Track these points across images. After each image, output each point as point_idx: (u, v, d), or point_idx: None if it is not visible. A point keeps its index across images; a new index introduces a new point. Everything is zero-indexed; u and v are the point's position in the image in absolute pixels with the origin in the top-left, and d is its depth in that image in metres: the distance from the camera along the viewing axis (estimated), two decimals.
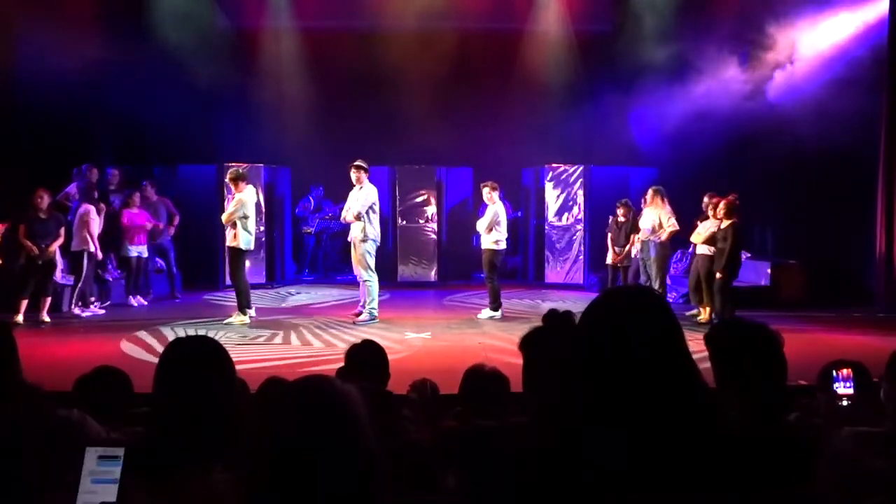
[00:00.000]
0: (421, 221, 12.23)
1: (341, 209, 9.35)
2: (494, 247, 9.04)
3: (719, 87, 10.85)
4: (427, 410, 3.39)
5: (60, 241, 8.76)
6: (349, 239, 8.66)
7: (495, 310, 8.98)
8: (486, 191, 9.13)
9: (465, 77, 11.90)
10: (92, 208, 9.05)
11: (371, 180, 8.70)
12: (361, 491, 1.26)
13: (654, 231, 9.14)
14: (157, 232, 10.29)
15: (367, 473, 1.27)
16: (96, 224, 9.09)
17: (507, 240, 9.25)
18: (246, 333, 7.86)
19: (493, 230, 9.01)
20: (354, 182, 8.56)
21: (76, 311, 9.02)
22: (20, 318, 8.36)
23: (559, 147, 11.95)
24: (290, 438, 1.25)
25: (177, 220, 10.64)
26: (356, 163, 8.56)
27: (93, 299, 9.34)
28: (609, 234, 10.16)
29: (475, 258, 10.63)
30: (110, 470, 1.71)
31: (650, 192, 9.35)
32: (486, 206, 9.23)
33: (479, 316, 9.02)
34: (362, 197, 8.45)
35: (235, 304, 8.58)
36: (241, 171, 8.91)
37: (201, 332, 7.19)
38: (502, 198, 9.38)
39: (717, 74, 10.94)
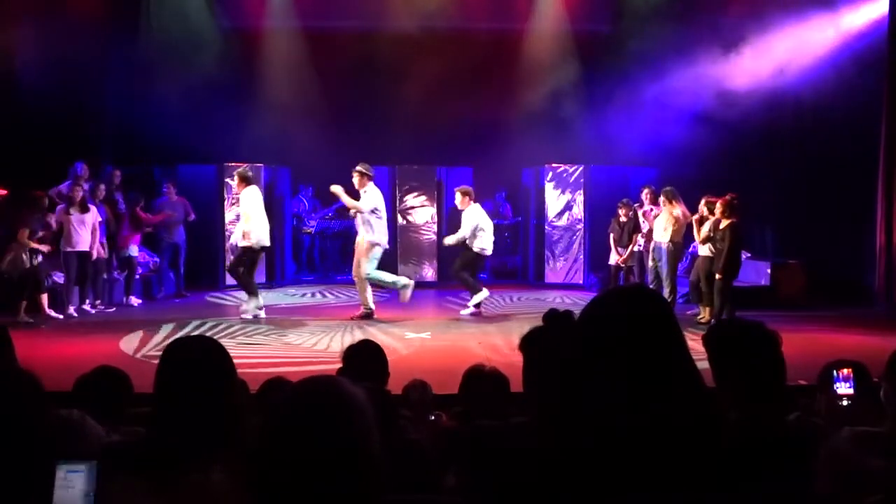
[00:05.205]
0: (421, 221, 12.21)
1: (336, 210, 9.32)
2: (479, 251, 9.01)
3: (719, 86, 10.84)
4: (426, 411, 3.39)
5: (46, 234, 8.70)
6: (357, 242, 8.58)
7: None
8: (458, 197, 9.01)
9: (466, 76, 11.88)
10: (63, 208, 8.96)
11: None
12: (363, 492, 1.25)
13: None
14: (174, 229, 10.55)
15: (370, 475, 1.26)
16: (80, 224, 8.99)
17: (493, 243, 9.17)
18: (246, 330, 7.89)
19: (476, 237, 8.96)
20: (357, 186, 8.51)
21: (71, 310, 8.98)
22: (20, 318, 8.35)
23: (559, 147, 11.94)
24: (298, 439, 1.24)
25: (191, 218, 10.75)
26: (357, 168, 8.53)
27: (97, 301, 9.42)
28: (612, 235, 10.11)
29: None
30: (80, 482, 1.76)
31: (662, 195, 9.09)
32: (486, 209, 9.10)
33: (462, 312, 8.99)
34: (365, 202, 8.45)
35: (236, 303, 8.60)
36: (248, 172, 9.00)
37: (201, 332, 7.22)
38: (502, 199, 9.32)
39: (717, 74, 10.93)
